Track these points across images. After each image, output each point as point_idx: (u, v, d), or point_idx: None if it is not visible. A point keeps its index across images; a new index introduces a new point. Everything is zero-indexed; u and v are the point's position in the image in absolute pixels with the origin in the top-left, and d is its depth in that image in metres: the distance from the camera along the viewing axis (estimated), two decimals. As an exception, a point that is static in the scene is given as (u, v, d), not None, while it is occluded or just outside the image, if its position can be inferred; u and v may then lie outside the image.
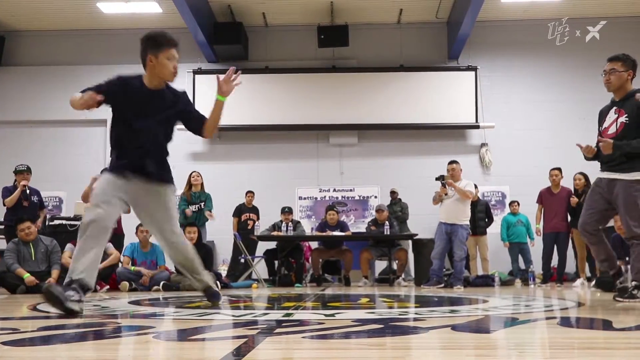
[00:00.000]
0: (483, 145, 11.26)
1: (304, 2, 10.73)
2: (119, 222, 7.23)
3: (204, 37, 10.43)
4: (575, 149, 4.74)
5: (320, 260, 9.06)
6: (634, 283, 4.26)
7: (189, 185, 8.58)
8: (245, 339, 2.40)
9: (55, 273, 6.81)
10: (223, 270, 9.45)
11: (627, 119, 4.33)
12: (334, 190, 11.32)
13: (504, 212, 10.47)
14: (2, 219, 8.20)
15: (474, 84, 11.17)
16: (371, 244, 9.04)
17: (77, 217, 8.35)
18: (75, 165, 11.03)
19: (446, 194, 7.68)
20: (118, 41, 11.42)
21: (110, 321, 3.25)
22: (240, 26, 10.84)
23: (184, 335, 2.63)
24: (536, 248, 9.05)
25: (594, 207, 4.45)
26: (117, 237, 7.49)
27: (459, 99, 11.19)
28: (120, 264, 7.65)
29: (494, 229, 9.66)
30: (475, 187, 8.34)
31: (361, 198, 11.32)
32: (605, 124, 4.49)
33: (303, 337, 2.50)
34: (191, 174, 8.69)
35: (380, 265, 9.91)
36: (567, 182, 8.37)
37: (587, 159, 4.62)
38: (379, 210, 9.09)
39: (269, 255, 9.19)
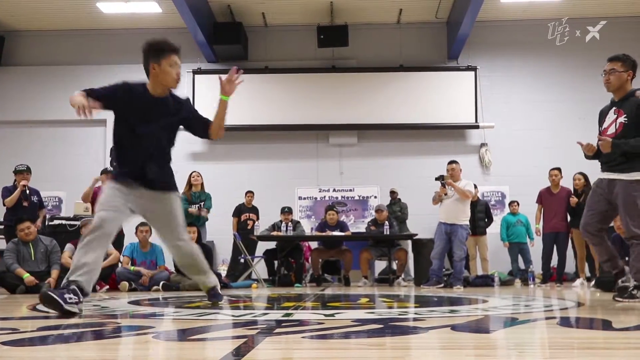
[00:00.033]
0: (483, 145, 11.26)
1: (303, 2, 10.73)
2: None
3: (203, 37, 10.42)
4: (575, 149, 4.74)
5: (320, 260, 9.06)
6: (633, 283, 4.26)
7: (189, 185, 8.58)
8: (245, 339, 2.40)
9: (54, 273, 6.81)
10: (223, 270, 9.45)
11: (626, 119, 4.33)
12: (334, 190, 11.32)
13: (503, 212, 10.47)
14: (2, 219, 8.20)
15: (474, 84, 11.17)
16: (371, 244, 9.04)
17: (76, 217, 8.35)
18: (74, 165, 11.04)
19: (446, 194, 7.68)
20: (118, 41, 11.43)
21: (110, 321, 3.25)
22: (239, 26, 10.84)
23: (184, 335, 2.63)
24: (536, 248, 9.05)
25: (595, 208, 4.46)
26: (116, 237, 7.45)
27: (459, 99, 11.19)
28: (119, 264, 7.66)
29: (494, 229, 9.66)
30: (475, 187, 8.34)
31: (361, 198, 11.32)
32: (605, 124, 4.50)
33: (303, 337, 2.50)
34: (191, 174, 8.69)
35: (379, 265, 9.91)
36: (567, 182, 8.37)
37: (587, 157, 4.62)
38: (378, 210, 9.09)
39: (268, 255, 9.19)
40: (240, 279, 8.70)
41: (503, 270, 9.47)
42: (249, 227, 9.37)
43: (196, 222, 8.14)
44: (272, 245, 9.24)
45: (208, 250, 7.89)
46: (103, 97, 3.68)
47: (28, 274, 6.66)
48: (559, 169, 8.36)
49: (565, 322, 3.36)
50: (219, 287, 4.36)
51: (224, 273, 9.08)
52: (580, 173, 8.04)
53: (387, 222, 8.74)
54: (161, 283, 7.30)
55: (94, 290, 6.92)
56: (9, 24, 11.37)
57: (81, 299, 3.41)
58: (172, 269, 7.76)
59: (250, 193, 9.74)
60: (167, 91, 3.88)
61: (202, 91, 10.98)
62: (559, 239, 8.26)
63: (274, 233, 8.98)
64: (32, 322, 3.27)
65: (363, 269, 8.81)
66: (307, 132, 11.37)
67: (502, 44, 11.42)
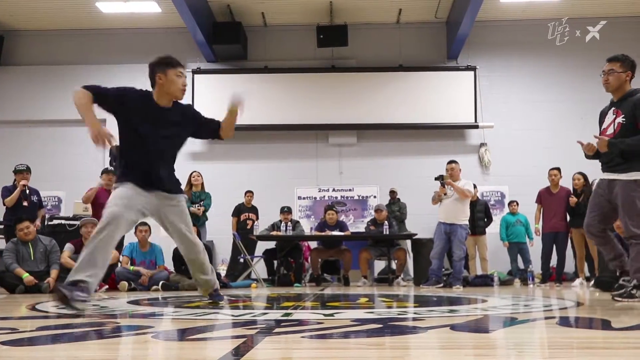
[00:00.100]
0: (482, 145, 11.26)
1: (303, 2, 10.73)
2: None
3: (203, 36, 10.42)
4: (575, 149, 4.75)
5: (320, 260, 9.06)
6: (633, 282, 4.26)
7: (190, 185, 8.58)
8: (244, 339, 2.40)
9: (54, 273, 6.80)
10: (222, 270, 9.45)
11: (624, 119, 4.35)
12: (333, 190, 11.32)
13: (503, 212, 10.47)
14: (1, 219, 8.20)
15: (473, 83, 11.17)
16: (370, 244, 9.04)
17: (76, 217, 8.34)
18: (74, 165, 11.03)
19: (445, 194, 7.68)
20: (117, 41, 11.43)
21: (109, 321, 3.25)
22: (239, 26, 10.84)
23: (183, 335, 2.63)
24: (535, 248, 9.06)
25: (596, 209, 4.49)
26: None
27: (458, 99, 11.19)
28: (119, 264, 7.65)
29: (493, 229, 9.66)
30: (475, 186, 8.34)
31: (360, 198, 11.32)
32: (605, 125, 4.52)
33: (302, 337, 2.50)
34: (191, 173, 8.68)
35: (379, 265, 9.91)
36: (566, 182, 8.38)
37: (587, 157, 4.64)
38: (378, 210, 9.09)
39: (268, 255, 9.18)
40: (240, 279, 8.69)
41: (502, 270, 9.47)
42: (249, 227, 9.37)
43: (196, 222, 8.13)
44: (271, 245, 9.24)
45: (208, 250, 7.87)
46: (110, 98, 3.76)
47: (27, 274, 6.65)
48: (558, 169, 8.36)
49: (564, 321, 3.36)
50: (219, 287, 4.40)
51: (223, 273, 9.08)
52: (580, 173, 8.05)
53: (386, 222, 8.74)
54: (160, 283, 7.30)
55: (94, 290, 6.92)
56: (8, 23, 11.36)
57: (89, 297, 3.47)
58: (172, 268, 7.76)
59: (249, 193, 9.74)
60: (172, 102, 3.94)
61: (201, 91, 10.98)
62: (559, 239, 8.27)
63: (274, 233, 8.98)
64: (32, 322, 3.27)
65: (362, 269, 8.81)
66: (306, 132, 11.37)
67: (501, 44, 11.42)
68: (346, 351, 2.18)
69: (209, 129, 4.18)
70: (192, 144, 10.83)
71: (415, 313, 3.76)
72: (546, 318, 3.45)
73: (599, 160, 4.56)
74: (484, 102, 11.21)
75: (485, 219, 9.32)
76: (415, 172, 10.76)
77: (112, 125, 3.99)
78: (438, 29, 11.48)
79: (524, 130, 11.18)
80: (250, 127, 11.22)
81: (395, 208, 9.89)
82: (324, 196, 11.25)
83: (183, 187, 8.40)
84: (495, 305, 4.35)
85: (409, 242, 9.19)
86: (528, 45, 11.14)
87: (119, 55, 11.20)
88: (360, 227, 10.39)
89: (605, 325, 2.98)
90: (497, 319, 3.32)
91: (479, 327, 2.99)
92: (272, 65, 11.40)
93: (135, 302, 4.91)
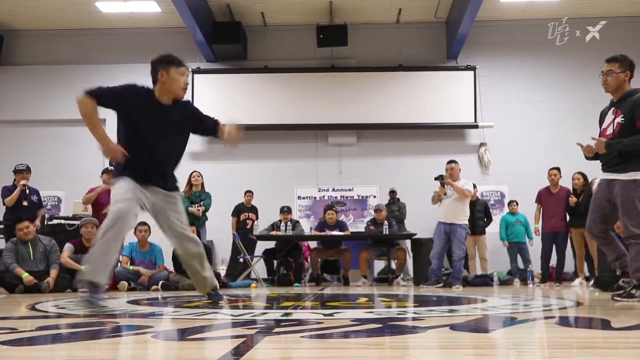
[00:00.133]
0: (482, 145, 11.26)
1: (302, 2, 10.73)
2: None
3: (202, 36, 10.42)
4: (574, 149, 4.76)
5: (319, 259, 9.06)
6: (633, 282, 4.27)
7: (190, 185, 8.57)
8: (244, 339, 2.40)
9: (53, 273, 6.81)
10: (222, 270, 9.45)
11: (623, 119, 4.35)
12: (333, 189, 11.32)
13: (502, 211, 10.47)
14: (1, 219, 8.19)
15: (473, 83, 11.17)
16: (370, 244, 9.04)
17: (75, 217, 8.34)
18: (73, 165, 11.03)
19: (445, 194, 7.68)
20: (117, 40, 11.43)
21: (109, 321, 3.25)
22: (239, 26, 10.84)
23: (183, 334, 2.62)
24: (535, 248, 9.06)
25: (596, 211, 4.51)
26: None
27: (458, 99, 11.18)
28: (119, 264, 7.64)
29: (493, 229, 9.67)
30: (474, 186, 8.33)
31: (360, 198, 11.32)
32: (604, 125, 4.53)
33: (302, 337, 2.50)
34: (191, 173, 8.67)
35: (379, 265, 9.91)
36: (566, 182, 8.38)
37: (587, 158, 4.65)
38: (377, 209, 9.09)
39: (267, 255, 9.18)
40: (240, 279, 8.70)
41: (502, 270, 9.47)
42: (248, 227, 9.37)
43: (196, 222, 8.14)
44: (271, 244, 9.24)
45: (207, 250, 7.87)
46: (112, 99, 3.80)
47: (27, 274, 6.65)
48: (558, 169, 8.36)
49: (564, 321, 3.36)
50: (218, 287, 4.40)
51: (223, 272, 9.08)
52: (579, 173, 8.05)
53: (386, 222, 8.74)
54: (160, 283, 7.29)
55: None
56: (8, 23, 11.36)
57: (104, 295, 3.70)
58: (171, 268, 7.76)
59: (249, 193, 9.74)
60: (172, 100, 3.94)
61: (201, 90, 10.98)
62: (558, 239, 8.27)
63: (273, 233, 8.98)
64: (31, 322, 3.27)
65: (362, 269, 8.81)
66: (306, 132, 11.36)
67: (501, 44, 11.42)
68: (346, 351, 2.17)
69: (206, 127, 4.19)
70: (192, 144, 10.73)
71: (414, 313, 3.76)
72: (546, 318, 3.45)
73: (599, 161, 4.56)
74: (484, 102, 11.21)
75: (485, 219, 9.32)
76: (415, 172, 10.76)
77: (111, 124, 4.00)
78: (438, 29, 11.48)
79: (523, 130, 11.18)
80: (250, 127, 11.18)
81: (395, 208, 9.89)
82: (324, 196, 11.25)
83: (183, 187, 8.49)
84: (495, 305, 4.35)
85: (408, 242, 9.19)
86: (528, 45, 11.14)
87: (119, 55, 11.19)
88: (360, 227, 10.39)
89: (605, 325, 2.98)
90: (496, 319, 3.32)
91: (478, 327, 2.98)
92: (271, 65, 11.40)
93: (135, 302, 4.91)
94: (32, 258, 6.88)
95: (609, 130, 4.44)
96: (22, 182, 7.59)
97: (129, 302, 4.98)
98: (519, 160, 11.00)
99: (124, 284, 7.22)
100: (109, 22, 11.16)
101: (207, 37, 10.61)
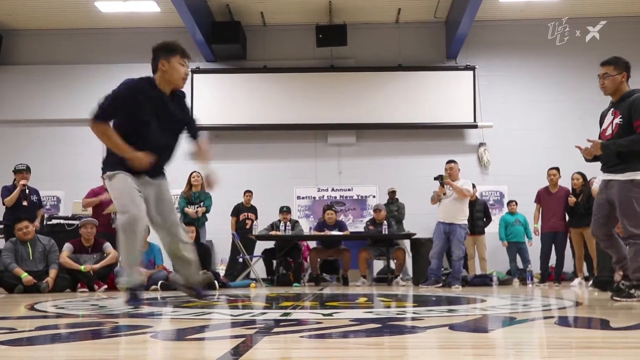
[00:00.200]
0: (481, 144, 11.27)
1: (302, 2, 10.73)
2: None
3: (202, 36, 10.41)
4: (574, 149, 4.76)
5: (319, 259, 9.06)
6: (632, 282, 4.27)
7: (189, 185, 8.56)
8: (243, 339, 2.40)
9: (52, 272, 6.80)
10: (221, 270, 9.45)
11: (621, 120, 4.36)
12: (332, 189, 11.32)
13: (502, 211, 10.48)
14: (1, 218, 8.19)
15: (472, 83, 11.17)
16: (369, 244, 9.04)
17: (75, 217, 8.33)
18: (73, 165, 11.02)
19: (444, 194, 7.68)
20: (116, 40, 11.43)
21: (108, 321, 3.25)
22: (238, 25, 10.84)
23: (182, 334, 2.62)
24: (534, 247, 9.06)
25: (598, 213, 4.55)
26: (114, 237, 7.47)
27: (457, 99, 11.19)
28: (118, 264, 7.64)
29: (492, 229, 9.67)
30: (474, 186, 8.33)
31: (359, 197, 11.32)
32: (604, 126, 4.54)
33: (301, 337, 2.49)
34: (191, 174, 8.65)
35: (378, 265, 9.92)
36: (565, 182, 8.38)
37: (587, 160, 4.68)
38: (377, 209, 9.09)
39: (267, 255, 9.18)
40: (239, 279, 8.69)
41: (501, 270, 9.47)
42: (248, 227, 9.37)
43: (195, 222, 8.13)
44: (270, 244, 9.24)
45: (206, 250, 7.88)
46: (117, 108, 3.83)
47: (26, 274, 6.64)
48: (557, 169, 8.37)
49: (563, 321, 3.36)
50: (201, 285, 4.37)
51: (222, 272, 9.08)
52: (579, 173, 8.05)
53: (385, 222, 8.74)
54: (159, 282, 7.28)
55: (92, 289, 6.92)
56: (7, 22, 11.36)
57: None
58: (171, 268, 7.74)
59: (248, 192, 9.74)
60: (172, 90, 3.93)
61: (201, 90, 10.96)
62: (557, 239, 8.27)
63: (273, 232, 8.98)
64: (30, 322, 3.26)
65: (361, 269, 8.80)
66: (305, 132, 11.36)
67: (500, 44, 11.42)
68: (345, 351, 2.17)
69: (190, 132, 4.22)
70: (191, 143, 10.81)
71: (414, 313, 3.76)
72: (545, 318, 3.45)
73: (600, 162, 4.58)
74: (483, 101, 11.21)
75: (484, 219, 9.33)
76: (414, 171, 10.76)
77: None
78: (437, 29, 11.48)
79: (523, 130, 11.19)
80: (250, 126, 11.24)
81: (394, 208, 9.89)
82: (323, 196, 11.25)
83: (183, 187, 8.49)
84: (494, 305, 4.35)
85: (408, 242, 9.19)
86: (527, 45, 11.15)
87: (118, 55, 11.18)
88: (359, 227, 10.39)
89: (604, 325, 2.98)
90: (496, 319, 3.32)
91: (477, 326, 2.98)
92: (271, 65, 11.40)
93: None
94: (31, 258, 6.88)
95: (608, 131, 4.45)
96: (22, 182, 7.58)
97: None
98: (518, 160, 11.01)
99: (123, 283, 7.20)
100: (108, 21, 11.15)
101: (207, 37, 10.61)
